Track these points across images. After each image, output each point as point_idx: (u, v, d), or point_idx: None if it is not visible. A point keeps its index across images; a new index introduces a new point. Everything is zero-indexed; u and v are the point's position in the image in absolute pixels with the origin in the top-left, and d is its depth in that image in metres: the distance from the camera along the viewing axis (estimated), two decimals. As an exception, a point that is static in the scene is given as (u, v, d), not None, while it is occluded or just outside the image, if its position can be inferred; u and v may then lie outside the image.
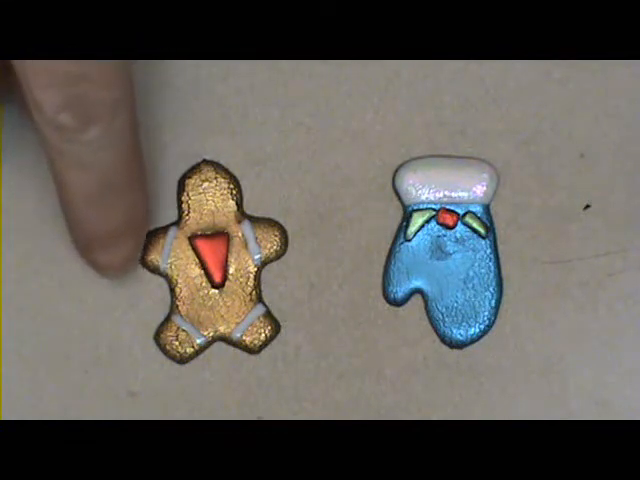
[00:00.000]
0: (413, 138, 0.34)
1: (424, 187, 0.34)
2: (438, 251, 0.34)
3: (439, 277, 0.34)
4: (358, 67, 0.34)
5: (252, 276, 0.34)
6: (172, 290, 0.34)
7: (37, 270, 0.34)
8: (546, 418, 0.34)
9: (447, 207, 0.34)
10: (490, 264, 0.34)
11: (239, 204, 0.34)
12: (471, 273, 0.34)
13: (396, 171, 0.34)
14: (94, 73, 0.28)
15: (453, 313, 0.34)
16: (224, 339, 0.34)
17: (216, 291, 0.34)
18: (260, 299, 0.34)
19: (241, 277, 0.34)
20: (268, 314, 0.34)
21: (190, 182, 0.34)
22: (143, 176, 0.31)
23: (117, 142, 0.29)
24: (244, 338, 0.34)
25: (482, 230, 0.34)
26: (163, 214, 0.34)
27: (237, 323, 0.34)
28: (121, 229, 0.31)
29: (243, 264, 0.34)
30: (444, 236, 0.34)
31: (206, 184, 0.34)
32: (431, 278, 0.34)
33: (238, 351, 0.34)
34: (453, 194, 0.34)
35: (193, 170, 0.34)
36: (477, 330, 0.34)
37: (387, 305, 0.34)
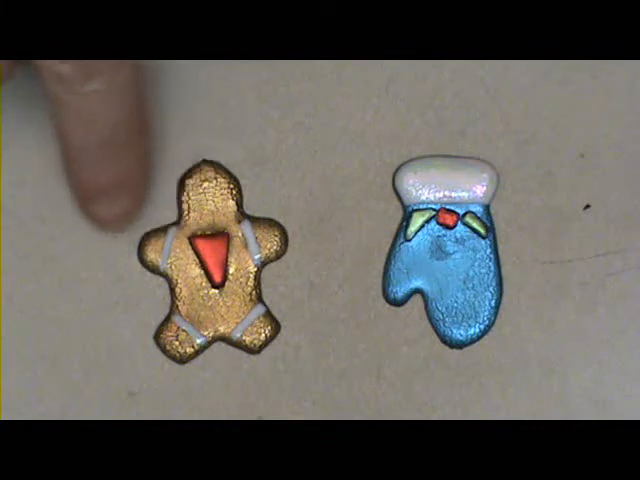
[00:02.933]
0: (413, 138, 0.34)
1: (424, 187, 0.34)
2: (438, 251, 0.34)
3: (439, 277, 0.34)
4: (358, 67, 0.34)
5: (252, 276, 0.34)
6: (172, 290, 0.34)
7: (37, 270, 0.34)
8: (546, 418, 0.34)
9: (447, 207, 0.34)
10: (490, 264, 0.34)
11: (239, 204, 0.34)
12: (471, 273, 0.34)
13: (396, 171, 0.34)
14: None
15: (453, 313, 0.34)
16: (224, 339, 0.34)
17: (216, 291, 0.34)
18: (260, 299, 0.34)
19: (241, 277, 0.34)
20: (268, 314, 0.34)
21: (190, 182, 0.34)
22: (145, 132, 0.31)
23: (118, 98, 0.29)
24: (244, 338, 0.34)
25: (482, 230, 0.34)
26: (163, 214, 0.34)
27: (237, 323, 0.34)
28: (120, 183, 0.31)
29: (243, 264, 0.34)
30: (444, 236, 0.34)
31: (206, 184, 0.34)
32: (431, 278, 0.34)
33: (238, 351, 0.34)
34: (453, 194, 0.34)
35: (193, 170, 0.34)
36: (477, 330, 0.34)
37: (387, 305, 0.34)
